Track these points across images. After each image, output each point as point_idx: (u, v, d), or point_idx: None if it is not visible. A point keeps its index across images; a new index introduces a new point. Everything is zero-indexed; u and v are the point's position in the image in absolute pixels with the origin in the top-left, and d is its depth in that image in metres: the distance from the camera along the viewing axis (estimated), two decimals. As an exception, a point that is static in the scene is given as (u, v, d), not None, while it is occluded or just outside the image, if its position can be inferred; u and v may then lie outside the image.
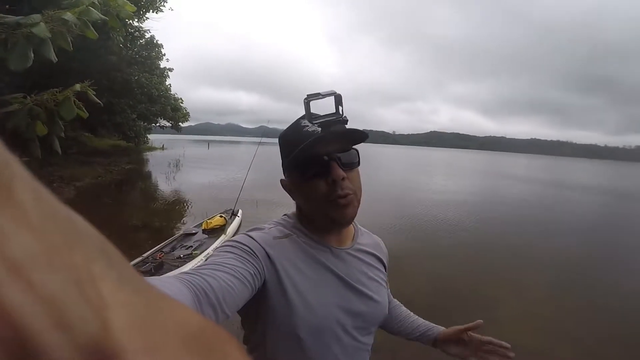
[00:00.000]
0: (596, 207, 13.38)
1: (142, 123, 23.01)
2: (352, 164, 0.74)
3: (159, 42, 18.82)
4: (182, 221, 7.40)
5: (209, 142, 70.53)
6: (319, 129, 0.70)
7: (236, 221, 6.40)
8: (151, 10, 14.59)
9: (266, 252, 0.69)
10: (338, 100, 0.70)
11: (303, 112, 0.69)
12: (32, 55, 1.45)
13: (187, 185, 12.25)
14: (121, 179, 13.03)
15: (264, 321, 0.69)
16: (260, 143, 7.12)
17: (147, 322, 0.11)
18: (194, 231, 5.53)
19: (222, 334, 0.13)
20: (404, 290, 4.55)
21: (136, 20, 14.91)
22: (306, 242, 0.75)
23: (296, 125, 0.74)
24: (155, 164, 19.25)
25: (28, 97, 1.96)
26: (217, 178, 14.16)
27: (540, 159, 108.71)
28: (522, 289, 4.67)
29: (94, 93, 2.06)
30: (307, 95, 0.68)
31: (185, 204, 9.36)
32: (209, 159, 25.29)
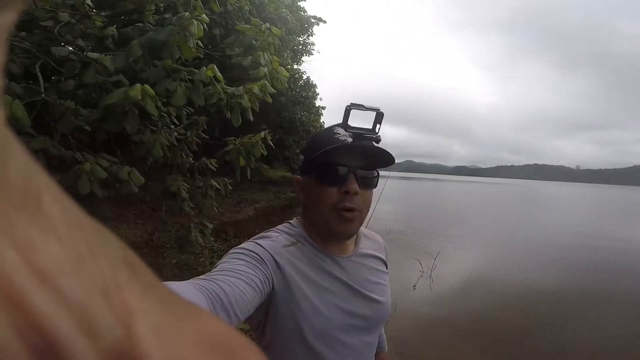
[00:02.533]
0: None
1: (302, 157, 26.93)
2: (369, 184, 0.76)
3: (313, 83, 21.64)
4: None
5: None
6: (350, 139, 0.73)
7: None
8: (305, 54, 17.63)
9: (275, 260, 0.71)
10: (378, 118, 0.71)
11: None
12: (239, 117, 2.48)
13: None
14: (286, 204, 15.66)
15: (273, 325, 0.72)
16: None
17: (169, 329, 0.11)
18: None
19: (243, 340, 0.13)
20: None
21: (295, 64, 17.59)
22: (311, 250, 0.77)
23: (329, 130, 0.77)
24: (311, 192, 22.11)
25: (237, 139, 3.11)
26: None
27: None
28: None
29: (271, 138, 3.07)
30: (351, 103, 0.71)
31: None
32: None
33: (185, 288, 0.52)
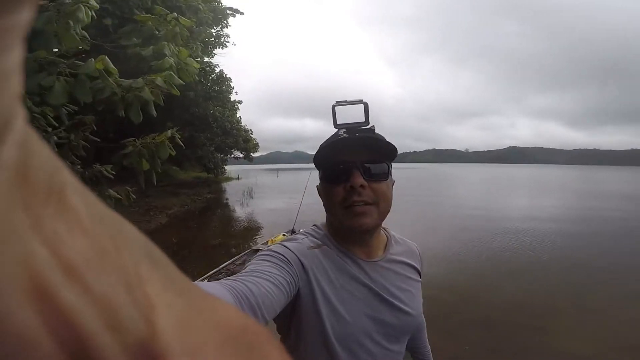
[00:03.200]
0: None
1: (219, 155, 25.69)
2: (378, 175, 0.72)
3: (227, 76, 20.68)
4: (253, 240, 8.25)
5: (278, 170, 74.76)
6: (346, 135, 0.73)
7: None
8: (217, 47, 16.77)
9: (300, 262, 0.70)
10: (365, 109, 0.72)
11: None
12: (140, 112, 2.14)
13: (258, 210, 13.40)
14: (203, 207, 14.71)
15: (297, 327, 0.72)
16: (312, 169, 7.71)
17: (190, 323, 0.11)
18: (261, 247, 6.23)
19: (263, 333, 0.13)
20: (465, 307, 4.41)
21: (206, 57, 16.79)
22: (336, 253, 0.76)
23: (335, 133, 0.76)
24: (232, 192, 21.21)
25: (137, 140, 2.70)
26: (283, 203, 15.15)
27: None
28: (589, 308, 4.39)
29: (180, 137, 2.74)
30: (336, 101, 0.72)
31: (255, 226, 10.31)
32: (277, 187, 26.95)
33: (213, 287, 0.54)
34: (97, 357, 0.09)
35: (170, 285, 0.12)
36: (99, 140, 2.80)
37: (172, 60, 2.37)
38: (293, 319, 0.72)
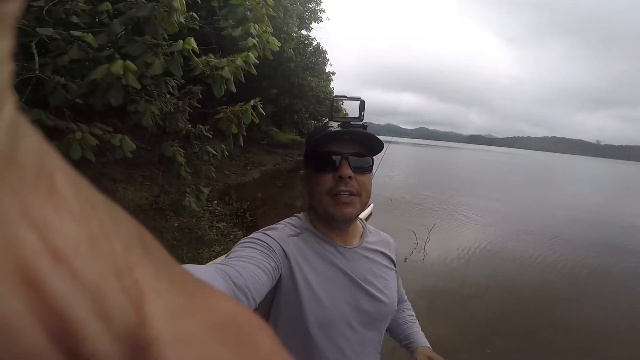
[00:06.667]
0: None
1: (313, 121, 26.95)
2: (363, 169, 0.77)
3: (323, 49, 21.59)
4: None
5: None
6: (340, 128, 0.76)
7: (365, 212, 7.21)
8: (314, 21, 18.27)
9: (282, 249, 0.73)
10: (361, 106, 0.77)
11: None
12: (225, 87, 2.59)
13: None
14: (292, 167, 15.87)
15: (276, 313, 0.74)
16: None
17: (180, 310, 0.11)
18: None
19: (254, 320, 0.13)
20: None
21: (304, 30, 18.46)
22: (315, 240, 0.79)
23: (324, 124, 0.81)
24: (320, 157, 22.19)
25: (228, 107, 3.22)
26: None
27: None
28: None
29: (262, 106, 3.16)
30: (334, 95, 0.79)
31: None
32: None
33: (204, 270, 0.55)
34: (86, 346, 0.09)
35: (161, 272, 0.11)
36: (200, 107, 3.41)
37: (255, 41, 2.74)
38: (272, 306, 0.75)
